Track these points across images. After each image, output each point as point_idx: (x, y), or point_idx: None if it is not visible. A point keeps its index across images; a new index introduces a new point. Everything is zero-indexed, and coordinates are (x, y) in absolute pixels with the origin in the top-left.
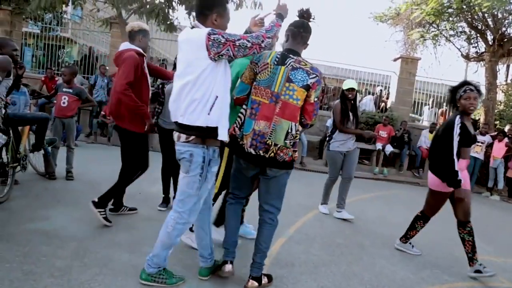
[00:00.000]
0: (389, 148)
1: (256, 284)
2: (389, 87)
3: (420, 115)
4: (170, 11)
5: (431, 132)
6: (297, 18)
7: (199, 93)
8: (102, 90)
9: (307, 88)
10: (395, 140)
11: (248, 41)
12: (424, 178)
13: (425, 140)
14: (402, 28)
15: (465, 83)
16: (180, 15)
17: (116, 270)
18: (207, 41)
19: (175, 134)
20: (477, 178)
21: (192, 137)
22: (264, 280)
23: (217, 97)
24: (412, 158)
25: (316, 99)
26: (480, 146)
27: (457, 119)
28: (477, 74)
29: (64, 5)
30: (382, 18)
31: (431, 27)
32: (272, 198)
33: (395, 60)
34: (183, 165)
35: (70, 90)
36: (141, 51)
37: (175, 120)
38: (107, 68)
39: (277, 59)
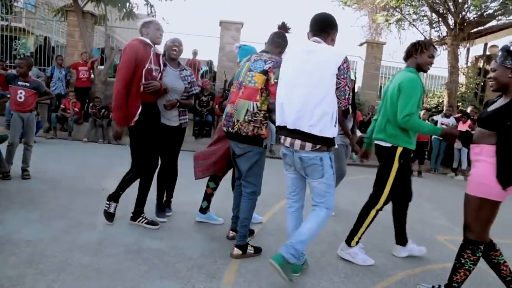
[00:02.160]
0: (357, 133)
1: (240, 252)
2: (355, 72)
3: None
4: None
5: None
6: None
7: (330, 108)
8: (60, 82)
9: (265, 73)
10: (363, 124)
11: (347, 91)
12: None
13: None
14: (367, 13)
15: None
16: (139, 1)
17: (75, 275)
18: (342, 64)
19: (296, 142)
20: (442, 159)
21: (319, 145)
22: (250, 250)
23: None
24: None
25: (276, 80)
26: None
27: None
28: (440, 58)
29: None
30: (347, 2)
31: (395, 11)
32: (247, 175)
33: (361, 45)
34: (316, 171)
35: (27, 84)
36: (147, 40)
37: (298, 128)
38: (64, 58)
39: (246, 59)
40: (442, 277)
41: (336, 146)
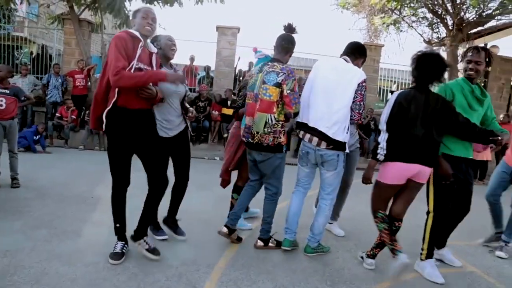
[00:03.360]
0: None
1: (262, 243)
2: None
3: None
4: (126, 4)
5: None
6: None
7: (344, 117)
8: (56, 90)
9: (278, 85)
10: (361, 127)
11: (361, 106)
12: None
13: None
14: (365, 15)
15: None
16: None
17: (49, 286)
18: (362, 83)
19: (314, 138)
20: None
21: (332, 146)
22: (272, 243)
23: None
24: None
25: (289, 91)
26: None
27: None
28: None
29: (12, 3)
30: (345, 5)
31: (393, 13)
32: (268, 178)
33: None
34: (332, 165)
35: (7, 91)
36: (135, 33)
37: (316, 127)
38: (62, 66)
39: (258, 69)
40: (432, 284)
41: (348, 151)
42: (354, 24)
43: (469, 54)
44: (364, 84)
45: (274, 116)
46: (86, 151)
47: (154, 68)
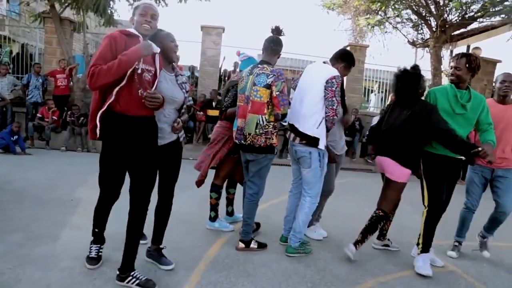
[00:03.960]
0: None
1: (243, 245)
2: None
3: (368, 101)
4: (111, 2)
5: None
6: (271, 34)
7: (314, 112)
8: (37, 90)
9: (268, 87)
10: (346, 128)
11: (334, 102)
12: None
13: None
14: (350, 16)
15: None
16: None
17: None
18: (331, 79)
19: (291, 135)
20: None
21: (304, 141)
22: (254, 244)
23: (323, 117)
24: (364, 145)
25: (278, 93)
26: None
27: None
28: (424, 60)
29: None
30: (331, 6)
31: (377, 15)
32: (252, 176)
33: (344, 48)
34: (305, 162)
35: None
36: (134, 31)
37: (292, 123)
38: (42, 66)
39: (248, 71)
40: (414, 284)
41: (322, 148)
42: (340, 25)
43: (452, 60)
44: (334, 80)
45: (265, 117)
46: (68, 153)
47: (158, 70)
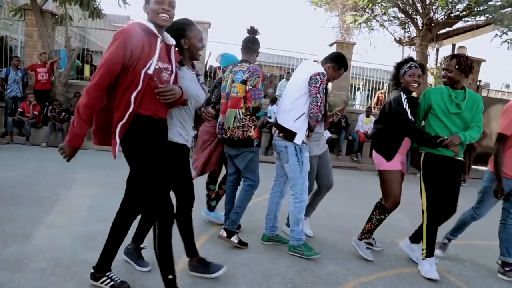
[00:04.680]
0: (327, 134)
1: (225, 235)
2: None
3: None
4: None
5: (367, 116)
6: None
7: (294, 107)
8: (16, 85)
9: (244, 82)
10: (332, 125)
11: (318, 98)
12: (363, 162)
13: (362, 124)
14: (338, 13)
15: (410, 59)
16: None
17: None
18: (315, 76)
19: (274, 129)
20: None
21: (281, 134)
22: (235, 239)
23: (304, 113)
24: (350, 143)
25: (250, 87)
26: None
27: (402, 95)
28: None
29: None
30: (318, 3)
31: (365, 13)
32: (244, 172)
33: (331, 45)
34: (283, 156)
35: None
36: (151, 26)
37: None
38: (23, 60)
39: (229, 70)
40: (396, 284)
41: (299, 143)
42: (327, 22)
43: (443, 62)
44: (318, 77)
45: (241, 111)
46: (49, 149)
47: (174, 66)
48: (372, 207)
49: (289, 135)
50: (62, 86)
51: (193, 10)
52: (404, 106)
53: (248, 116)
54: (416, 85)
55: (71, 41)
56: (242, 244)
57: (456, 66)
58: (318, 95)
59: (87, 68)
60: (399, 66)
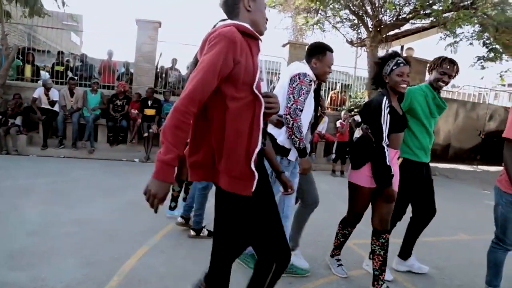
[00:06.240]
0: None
1: (194, 233)
2: (279, 73)
3: None
4: None
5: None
6: None
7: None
8: None
9: None
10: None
11: (290, 99)
12: (317, 162)
13: None
14: (291, 14)
15: (396, 54)
16: None
17: None
18: (295, 76)
19: None
20: None
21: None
22: (204, 233)
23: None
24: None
25: None
26: None
27: (385, 101)
28: (361, 59)
29: None
30: (271, 4)
31: (318, 14)
32: None
33: (283, 46)
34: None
35: None
36: (249, 27)
37: None
38: None
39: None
40: (358, 282)
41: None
42: (280, 23)
43: (445, 66)
44: (297, 77)
45: None
46: None
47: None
48: (329, 207)
49: (280, 150)
50: None
51: (142, 8)
52: (382, 121)
53: None
54: (405, 85)
55: (8, 39)
56: (212, 235)
57: (456, 73)
58: (291, 96)
59: (28, 68)
60: (383, 62)
